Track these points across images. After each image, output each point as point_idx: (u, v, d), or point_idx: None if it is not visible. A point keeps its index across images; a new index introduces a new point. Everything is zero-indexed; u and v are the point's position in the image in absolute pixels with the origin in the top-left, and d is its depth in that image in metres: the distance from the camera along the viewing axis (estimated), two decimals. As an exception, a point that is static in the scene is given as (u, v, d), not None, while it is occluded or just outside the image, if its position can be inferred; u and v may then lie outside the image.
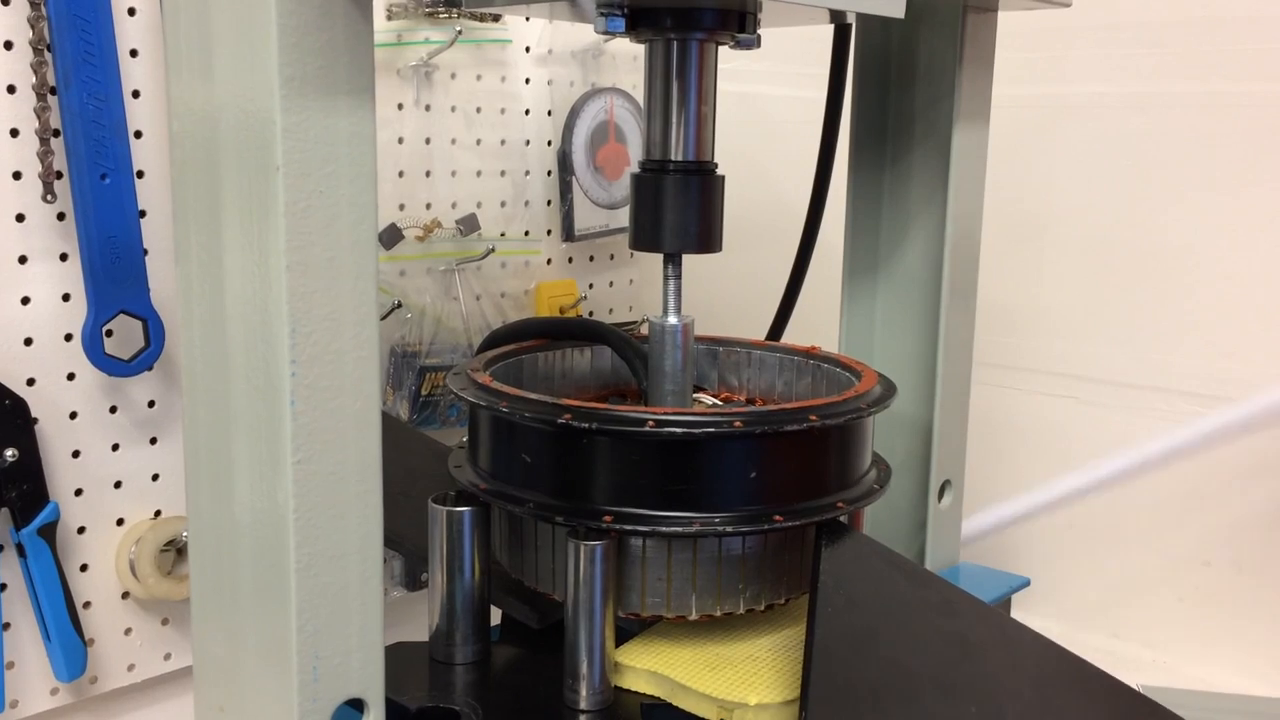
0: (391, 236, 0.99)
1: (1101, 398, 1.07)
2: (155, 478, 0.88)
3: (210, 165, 0.52)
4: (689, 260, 0.72)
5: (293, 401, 0.50)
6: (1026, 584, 0.88)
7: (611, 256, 1.18)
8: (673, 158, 0.69)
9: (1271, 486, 0.99)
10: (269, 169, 0.48)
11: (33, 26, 0.76)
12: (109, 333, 0.82)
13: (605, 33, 0.63)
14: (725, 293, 1.10)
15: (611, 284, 1.19)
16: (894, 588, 0.64)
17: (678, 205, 0.69)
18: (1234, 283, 1.00)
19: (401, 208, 1.00)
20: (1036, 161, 1.09)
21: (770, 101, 1.24)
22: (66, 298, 0.82)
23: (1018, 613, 1.11)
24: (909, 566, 0.68)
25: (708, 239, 0.70)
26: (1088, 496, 0.96)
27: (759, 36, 0.68)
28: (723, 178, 0.71)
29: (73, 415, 0.83)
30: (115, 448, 0.86)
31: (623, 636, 0.66)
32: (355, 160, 0.50)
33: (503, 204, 1.08)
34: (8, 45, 0.77)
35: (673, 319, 0.72)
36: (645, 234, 0.70)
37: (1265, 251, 0.98)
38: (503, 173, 1.07)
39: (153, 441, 0.87)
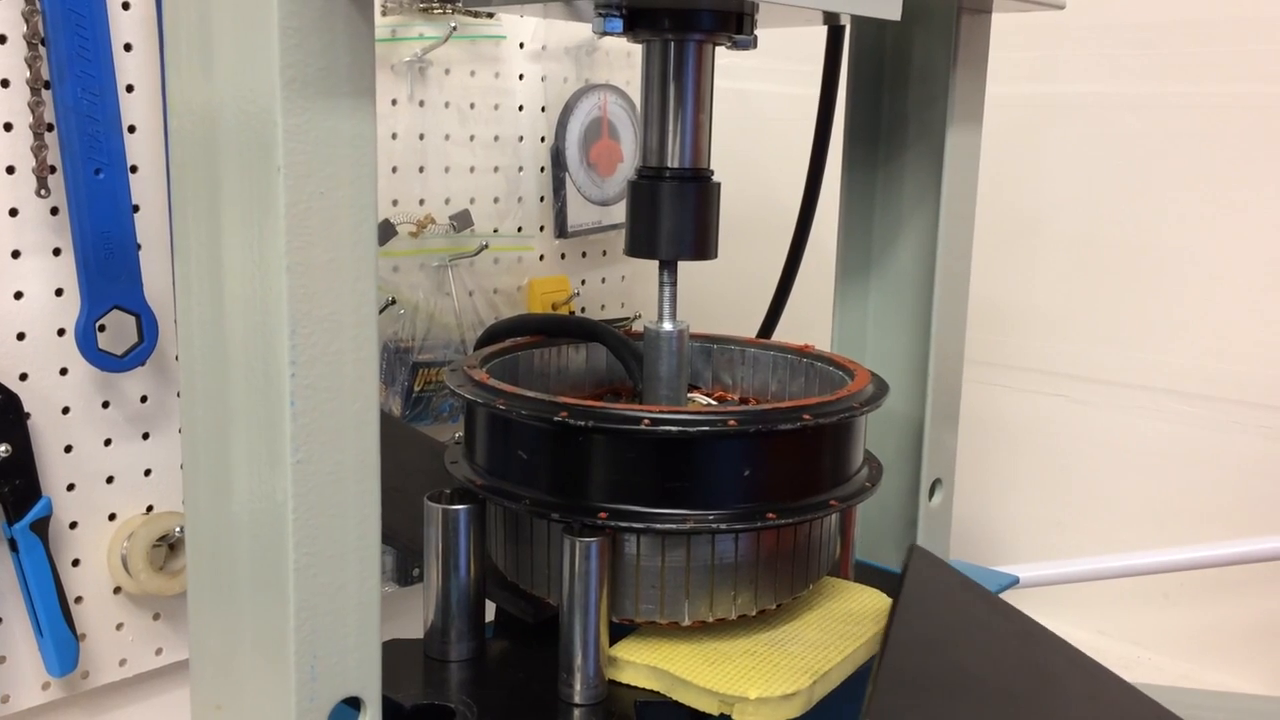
0: (385, 232, 0.99)
1: (1092, 396, 1.08)
2: (148, 473, 0.88)
3: (210, 164, 0.52)
4: (682, 256, 0.72)
5: (292, 402, 0.50)
6: (1015, 582, 0.89)
7: (604, 253, 1.18)
8: (669, 165, 0.70)
9: (1256, 484, 1.00)
10: (270, 170, 0.48)
11: (27, 21, 0.76)
12: (102, 328, 0.82)
13: (603, 33, 0.64)
14: (717, 289, 1.10)
15: (604, 280, 1.19)
16: (974, 610, 0.65)
17: (674, 212, 0.69)
18: (1224, 283, 1.01)
19: (395, 203, 1.00)
20: (1029, 160, 1.10)
21: (764, 98, 1.25)
22: (60, 293, 0.81)
23: (1006, 609, 1.11)
24: (990, 597, 0.68)
25: (703, 246, 0.71)
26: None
27: (756, 37, 0.69)
28: (719, 185, 0.71)
29: (65, 410, 0.83)
30: (108, 443, 0.85)
31: (619, 634, 0.66)
32: (356, 161, 0.50)
33: (496, 200, 1.08)
34: (2, 39, 0.77)
35: (668, 325, 0.72)
36: (641, 241, 0.71)
37: (1255, 252, 0.99)
38: (496, 169, 1.07)
39: (145, 437, 0.87)
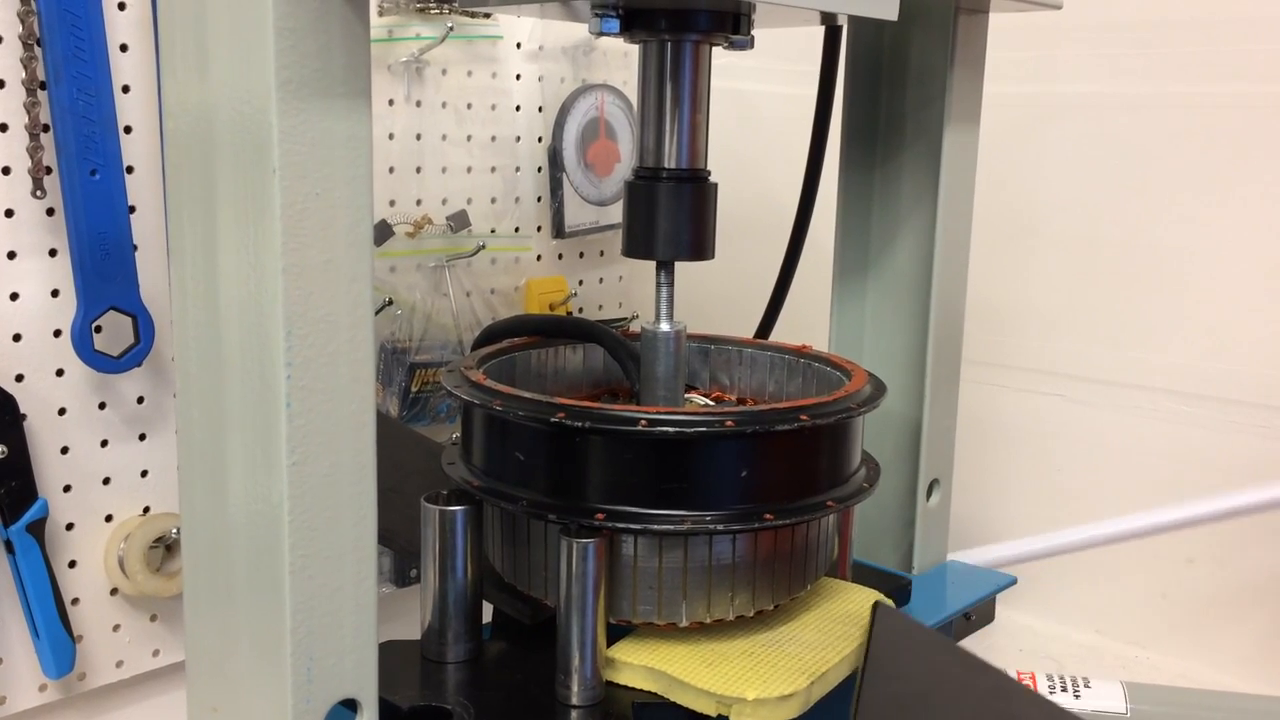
0: (382, 233, 0.98)
1: (1088, 396, 1.08)
2: (144, 474, 0.88)
3: (205, 165, 0.52)
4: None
5: (288, 404, 0.50)
6: (1013, 582, 0.89)
7: (601, 253, 1.18)
8: (666, 165, 0.70)
9: (1253, 483, 1.00)
10: (265, 171, 0.48)
11: (22, 21, 0.75)
12: (98, 329, 0.82)
13: (600, 33, 0.63)
14: (714, 289, 1.10)
15: (601, 280, 1.19)
16: (945, 668, 0.64)
17: (671, 213, 0.69)
18: (1221, 283, 1.01)
19: (392, 204, 1.00)
20: (1026, 160, 1.10)
21: (761, 98, 1.25)
22: (56, 294, 0.81)
23: (1004, 610, 1.12)
24: (963, 654, 0.68)
25: (700, 246, 0.71)
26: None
27: (753, 38, 0.69)
28: (716, 185, 0.71)
29: (61, 411, 0.83)
30: (104, 444, 0.85)
31: (616, 636, 0.66)
32: (352, 162, 0.50)
33: (493, 200, 1.08)
34: (-3, 40, 0.76)
35: (665, 325, 0.72)
36: (638, 241, 0.70)
37: (1252, 252, 0.99)
38: (493, 169, 1.07)
39: (142, 438, 0.87)
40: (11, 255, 0.79)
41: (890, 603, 0.73)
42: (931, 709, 0.61)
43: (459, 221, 1.04)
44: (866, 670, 0.61)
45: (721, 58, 0.71)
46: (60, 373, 0.82)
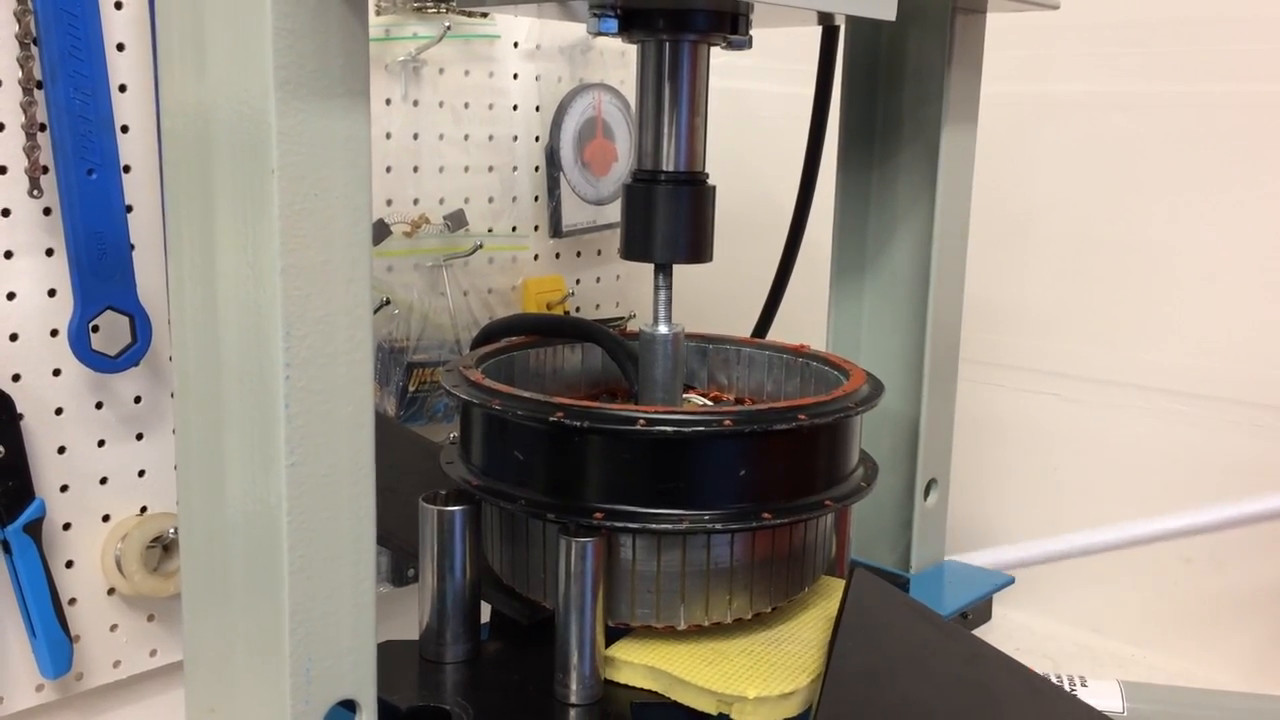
0: (379, 232, 0.98)
1: (1084, 395, 1.08)
2: (141, 474, 0.88)
3: (203, 164, 0.52)
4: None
5: (286, 404, 0.50)
6: (1011, 582, 0.89)
7: (599, 252, 1.18)
8: (664, 168, 0.70)
9: (1249, 483, 1.00)
10: (264, 171, 0.48)
11: (19, 20, 0.75)
12: (95, 328, 0.82)
13: (598, 33, 0.63)
14: (712, 288, 1.10)
15: (599, 280, 1.19)
16: (919, 635, 0.64)
17: (669, 216, 0.69)
18: (1215, 282, 1.01)
19: (389, 203, 1.00)
20: (1021, 159, 1.10)
21: (758, 97, 1.25)
22: (53, 293, 0.81)
23: (1001, 609, 1.12)
24: (938, 619, 0.68)
25: (698, 249, 0.71)
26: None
27: (751, 37, 0.68)
28: (714, 188, 0.71)
29: (58, 411, 0.83)
30: (101, 444, 0.85)
31: (613, 637, 0.66)
32: (350, 163, 0.50)
33: (490, 200, 1.08)
34: (-7, 39, 0.76)
35: (663, 328, 0.72)
36: (636, 244, 0.70)
37: (1246, 251, 0.99)
38: (490, 168, 1.07)
39: (139, 437, 0.87)
40: (8, 255, 0.79)
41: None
42: (904, 675, 0.61)
43: (456, 221, 1.04)
44: (839, 635, 0.61)
45: (720, 57, 0.71)
46: (57, 372, 0.82)
